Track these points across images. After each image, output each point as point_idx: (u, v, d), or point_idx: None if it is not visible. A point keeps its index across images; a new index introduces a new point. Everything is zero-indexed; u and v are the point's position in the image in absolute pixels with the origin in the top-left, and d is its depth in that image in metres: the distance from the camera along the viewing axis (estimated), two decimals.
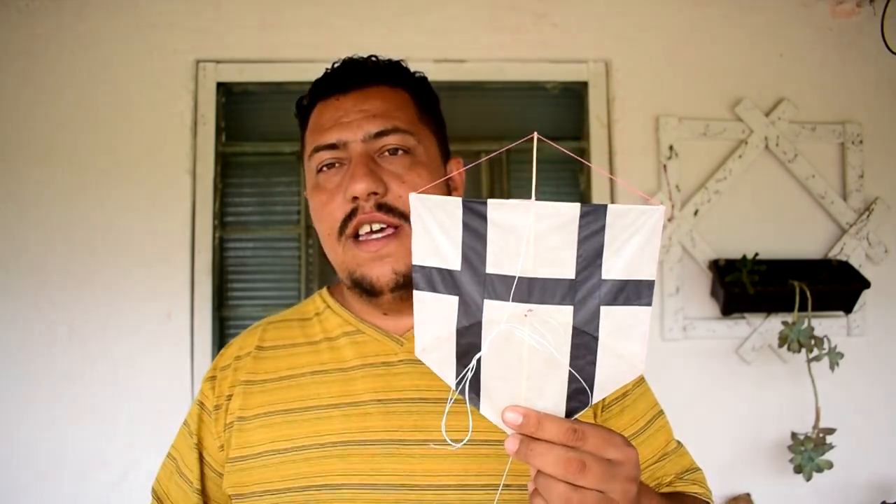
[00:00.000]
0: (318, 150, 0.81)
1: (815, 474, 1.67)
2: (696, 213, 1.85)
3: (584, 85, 1.92)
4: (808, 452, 1.67)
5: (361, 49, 1.86)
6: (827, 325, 1.84)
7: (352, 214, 0.78)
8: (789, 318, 1.73)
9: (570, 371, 0.52)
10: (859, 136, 1.90)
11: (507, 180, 1.91)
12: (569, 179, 1.96)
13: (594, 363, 0.52)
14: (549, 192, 1.93)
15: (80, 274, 1.78)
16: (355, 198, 0.76)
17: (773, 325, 1.81)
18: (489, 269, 0.51)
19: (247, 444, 0.77)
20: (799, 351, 1.69)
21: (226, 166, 1.90)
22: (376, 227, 0.77)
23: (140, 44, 1.84)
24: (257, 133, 1.91)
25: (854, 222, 1.88)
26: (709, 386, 1.84)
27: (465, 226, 0.51)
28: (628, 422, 0.83)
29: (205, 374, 0.88)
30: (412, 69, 0.90)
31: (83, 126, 1.82)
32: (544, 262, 0.50)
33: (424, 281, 0.54)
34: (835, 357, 1.69)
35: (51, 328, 1.77)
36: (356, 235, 0.78)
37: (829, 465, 1.67)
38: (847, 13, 1.95)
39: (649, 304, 0.51)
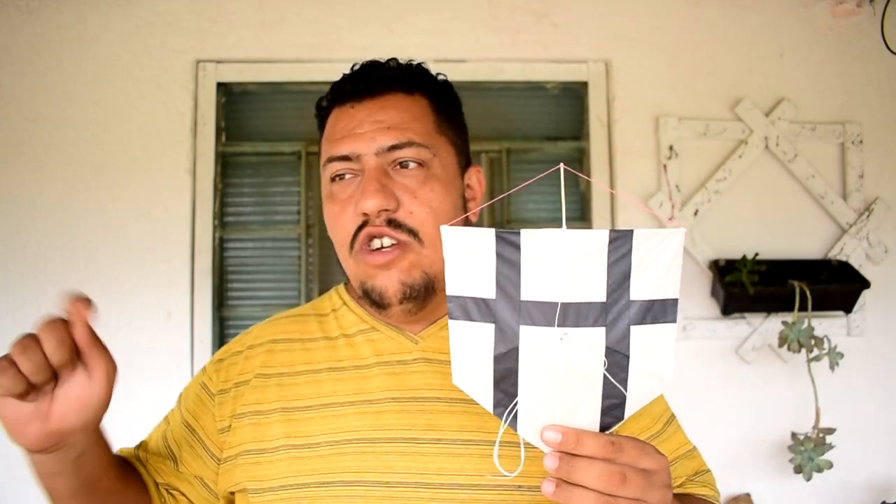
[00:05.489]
0: (331, 160, 0.81)
1: (815, 474, 1.67)
2: (696, 213, 1.85)
3: (584, 85, 1.92)
4: (808, 452, 1.67)
5: (361, 49, 1.88)
6: (827, 325, 1.84)
7: (362, 227, 0.78)
8: (789, 318, 1.73)
9: (604, 388, 0.55)
10: (859, 136, 1.90)
11: (507, 181, 1.91)
12: (569, 181, 1.96)
13: (626, 380, 0.55)
14: (550, 193, 1.93)
15: (80, 274, 1.78)
16: (365, 213, 0.77)
17: (773, 325, 1.81)
18: (524, 297, 0.53)
19: (263, 438, 0.78)
20: (799, 351, 1.69)
21: (226, 166, 1.90)
22: (387, 242, 0.77)
23: (140, 44, 1.84)
24: (257, 133, 1.91)
25: (854, 222, 1.88)
26: (709, 386, 1.84)
27: (499, 255, 0.53)
28: (645, 426, 0.83)
29: (213, 357, 0.88)
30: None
31: (83, 126, 1.82)
32: (577, 287, 0.52)
33: (459, 310, 0.55)
34: (835, 357, 1.69)
35: None
36: (367, 246, 0.78)
37: (829, 465, 1.67)
38: (847, 13, 1.95)
39: (674, 321, 0.54)
